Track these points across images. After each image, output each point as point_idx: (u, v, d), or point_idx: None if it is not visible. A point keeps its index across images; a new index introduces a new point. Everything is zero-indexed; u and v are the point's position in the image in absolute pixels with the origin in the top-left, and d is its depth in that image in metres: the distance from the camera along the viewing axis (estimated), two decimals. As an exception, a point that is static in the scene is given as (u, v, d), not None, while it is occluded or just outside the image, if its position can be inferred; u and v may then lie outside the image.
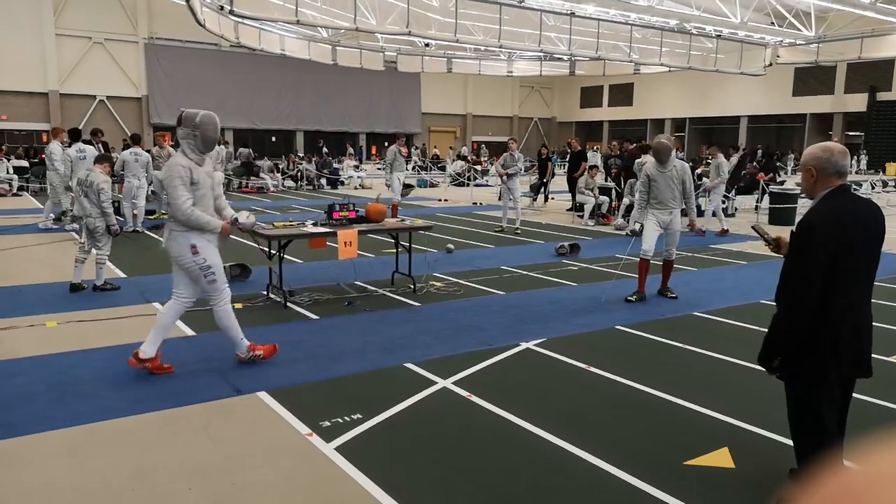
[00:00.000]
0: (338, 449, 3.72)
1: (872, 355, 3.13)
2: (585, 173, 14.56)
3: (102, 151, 10.67)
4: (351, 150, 32.52)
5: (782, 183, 17.36)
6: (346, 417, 4.14)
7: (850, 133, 36.46)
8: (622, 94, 45.37)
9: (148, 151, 12.85)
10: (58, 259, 9.26)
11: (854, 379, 3.16)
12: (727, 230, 12.80)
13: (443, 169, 29.66)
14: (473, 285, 8.00)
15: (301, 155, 27.13)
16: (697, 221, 13.26)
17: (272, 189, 21.45)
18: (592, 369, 5.12)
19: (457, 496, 3.28)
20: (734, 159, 16.59)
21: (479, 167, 27.04)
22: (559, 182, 19.79)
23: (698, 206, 14.07)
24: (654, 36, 22.71)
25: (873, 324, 3.13)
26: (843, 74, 34.43)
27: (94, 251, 7.40)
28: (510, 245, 11.22)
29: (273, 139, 38.20)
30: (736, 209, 15.91)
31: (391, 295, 7.47)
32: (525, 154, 18.72)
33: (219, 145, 13.56)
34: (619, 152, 15.65)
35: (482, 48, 26.27)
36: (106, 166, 7.52)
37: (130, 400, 4.39)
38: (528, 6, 19.28)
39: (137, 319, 6.33)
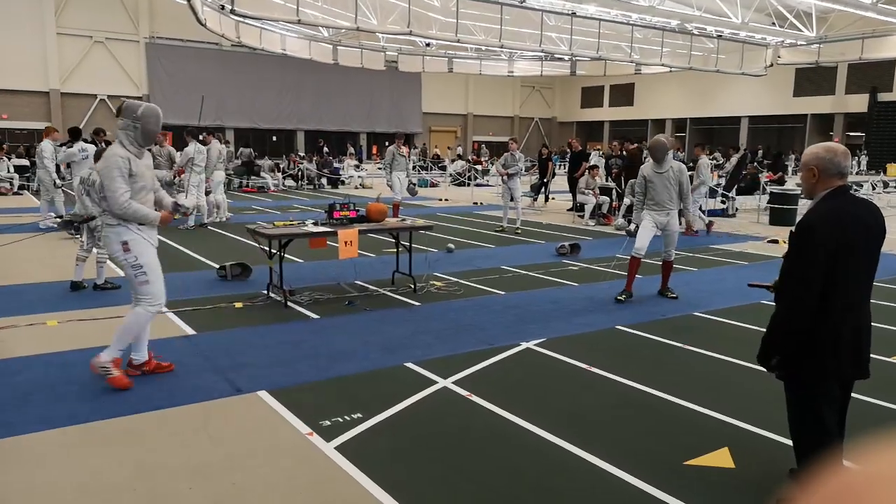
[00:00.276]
0: (338, 448, 3.72)
1: (873, 356, 3.13)
2: (586, 173, 14.57)
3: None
4: (351, 149, 32.53)
5: (783, 183, 17.36)
6: (346, 417, 4.14)
7: (851, 133, 36.44)
8: (623, 94, 45.36)
9: (149, 150, 12.83)
10: (58, 258, 9.26)
11: (853, 379, 3.16)
12: (711, 223, 12.96)
13: (443, 169, 29.66)
14: (474, 285, 8.00)
15: (302, 154, 27.13)
16: (696, 223, 13.40)
17: (273, 188, 21.46)
18: (593, 369, 5.12)
19: (457, 496, 3.28)
20: (734, 159, 16.59)
21: (479, 167, 27.05)
22: (560, 182, 19.80)
23: (699, 207, 14.13)
24: (655, 36, 22.72)
25: (874, 324, 3.13)
26: (844, 75, 34.43)
27: (94, 250, 7.41)
28: (511, 245, 11.22)
29: (274, 139, 38.22)
30: (737, 209, 15.92)
31: (392, 294, 7.47)
32: (526, 154, 18.69)
33: (220, 144, 13.59)
34: (619, 152, 15.65)
35: (483, 48, 26.28)
36: None
37: (131, 399, 4.39)
38: (529, 6, 19.28)
39: (138, 318, 6.33)
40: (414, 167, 27.45)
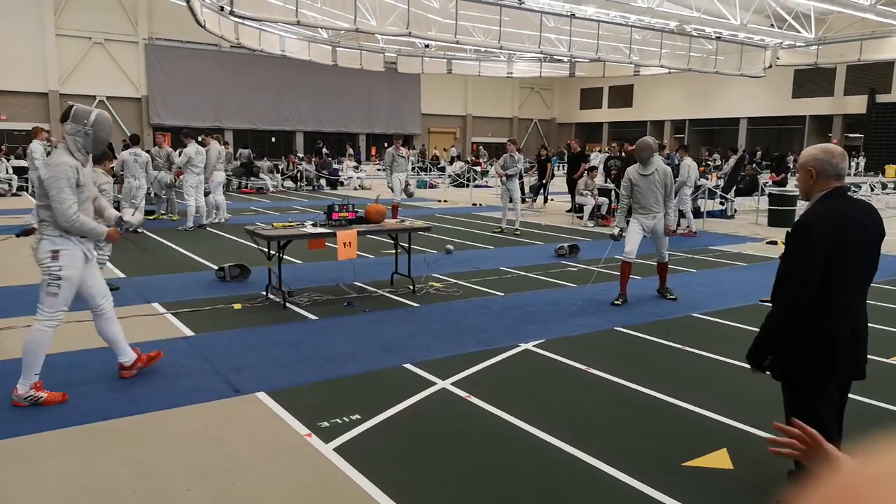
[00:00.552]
0: (337, 449, 3.72)
1: (871, 357, 3.13)
2: (585, 174, 14.58)
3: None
4: (350, 150, 32.53)
5: (787, 184, 17.36)
6: (345, 418, 4.14)
7: (850, 135, 36.49)
8: (622, 95, 45.40)
9: (147, 152, 12.84)
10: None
11: (851, 381, 3.17)
12: (691, 230, 12.78)
13: (442, 170, 29.67)
14: (473, 286, 8.00)
15: (301, 156, 27.13)
16: (694, 224, 13.40)
17: (272, 189, 21.45)
18: (592, 370, 5.13)
19: (456, 497, 3.29)
20: (732, 161, 16.61)
21: (478, 168, 27.05)
22: (559, 183, 19.81)
23: (697, 209, 14.14)
24: (654, 37, 22.74)
25: (872, 326, 3.14)
26: (843, 76, 34.47)
27: (94, 252, 7.40)
28: (509, 246, 11.23)
29: (273, 140, 38.21)
30: (735, 210, 15.93)
31: (390, 296, 7.48)
32: (524, 155, 18.71)
33: (219, 145, 13.59)
34: (618, 154, 15.66)
35: (482, 49, 26.29)
36: (106, 164, 7.52)
37: (130, 400, 4.39)
38: (527, 7, 19.30)
39: (137, 319, 6.33)
40: (413, 168, 27.49)
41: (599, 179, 15.54)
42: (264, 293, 7.29)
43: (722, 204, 15.94)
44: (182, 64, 34.55)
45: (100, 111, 4.45)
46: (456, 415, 4.27)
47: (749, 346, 3.16)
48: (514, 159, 12.39)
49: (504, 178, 12.32)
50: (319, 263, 9.09)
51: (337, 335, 5.95)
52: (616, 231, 7.54)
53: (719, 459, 3.70)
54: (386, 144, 41.17)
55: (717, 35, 23.15)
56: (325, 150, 28.02)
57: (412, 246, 7.98)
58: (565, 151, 24.16)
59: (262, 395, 4.50)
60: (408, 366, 5.15)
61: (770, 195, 14.96)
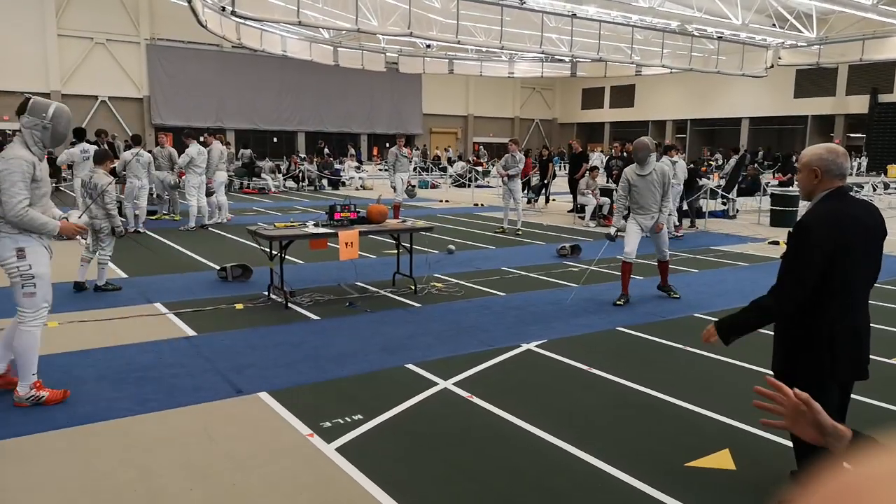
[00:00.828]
0: (339, 450, 3.72)
1: (873, 357, 3.13)
2: (586, 174, 14.57)
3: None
4: (352, 150, 32.53)
5: (793, 184, 17.34)
6: (346, 418, 4.14)
7: (852, 135, 36.44)
8: (623, 95, 45.37)
9: (149, 152, 12.86)
10: (58, 258, 9.26)
11: (852, 381, 3.16)
12: (680, 236, 12.47)
13: (444, 170, 29.68)
14: (474, 286, 8.00)
15: (302, 156, 27.15)
16: (697, 225, 13.40)
17: (273, 190, 21.47)
18: (593, 370, 5.13)
19: (458, 497, 3.29)
20: (732, 161, 16.60)
21: (479, 168, 27.06)
22: (560, 183, 19.80)
23: (699, 208, 14.13)
24: (656, 37, 22.72)
25: (874, 326, 3.13)
26: (845, 76, 34.42)
27: (98, 252, 7.42)
28: (511, 246, 11.23)
29: (275, 140, 38.24)
30: (737, 211, 15.91)
31: (392, 296, 7.48)
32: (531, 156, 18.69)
33: (221, 146, 13.60)
34: (620, 154, 15.65)
35: (483, 49, 26.29)
36: (107, 164, 7.53)
37: (131, 400, 4.40)
38: (529, 7, 19.29)
39: (139, 320, 6.34)
40: (414, 168, 27.48)
41: (601, 179, 15.54)
42: (266, 293, 7.29)
43: (724, 204, 15.92)
44: (184, 64, 34.59)
45: (59, 104, 4.30)
46: (458, 415, 4.27)
47: (727, 317, 3.14)
48: (516, 159, 12.38)
49: (506, 179, 12.32)
50: (321, 263, 9.09)
51: (339, 335, 5.95)
52: (612, 231, 7.54)
53: (721, 460, 3.69)
54: (388, 144, 41.22)
55: (719, 35, 23.12)
56: (326, 150, 28.02)
57: (414, 246, 7.98)
58: (565, 151, 24.17)
59: (263, 395, 4.50)
60: (409, 366, 5.15)
61: (772, 195, 14.94)
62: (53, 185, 18.72)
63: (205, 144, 13.03)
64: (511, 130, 46.65)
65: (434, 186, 24.32)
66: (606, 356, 5.49)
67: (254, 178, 21.51)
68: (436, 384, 4.77)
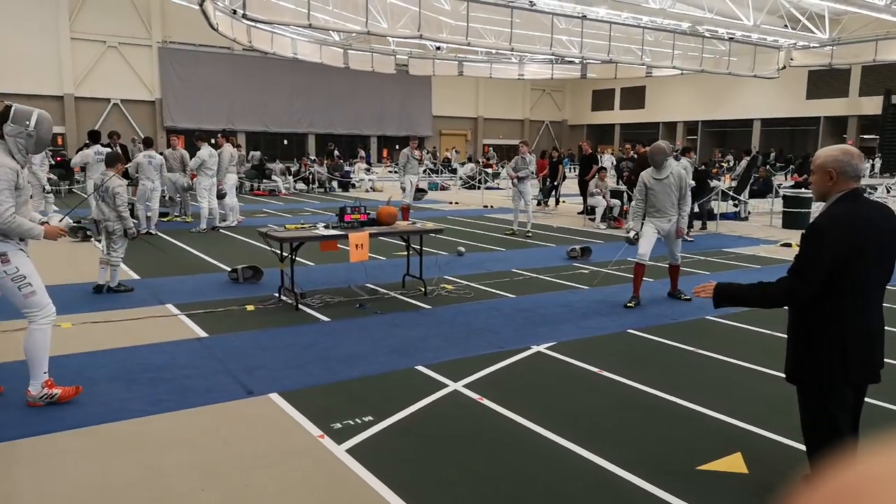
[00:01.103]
0: (349, 451, 3.73)
1: (886, 360, 3.10)
2: (596, 176, 14.55)
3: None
4: (362, 152, 32.60)
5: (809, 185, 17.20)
6: (357, 420, 4.15)
7: (865, 136, 36.12)
8: (634, 96, 45.21)
9: (161, 154, 12.95)
10: (72, 262, 9.35)
11: (865, 383, 3.14)
12: (691, 239, 12.27)
13: (454, 172, 29.69)
14: (484, 288, 8.00)
15: (313, 158, 27.25)
16: (709, 226, 13.32)
17: (283, 192, 21.56)
18: (604, 373, 5.11)
19: (468, 499, 3.28)
20: (744, 162, 16.50)
21: (489, 170, 27.05)
22: (570, 185, 19.76)
23: (710, 210, 14.06)
24: (667, 39, 22.63)
25: (889, 329, 3.11)
26: (858, 77, 34.15)
27: (110, 253, 7.48)
28: (521, 248, 11.21)
29: (285, 142, 38.39)
30: (749, 212, 15.82)
31: (402, 297, 7.49)
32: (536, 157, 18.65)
33: (232, 148, 13.67)
34: (630, 155, 15.60)
35: (493, 51, 26.28)
36: (119, 166, 7.60)
37: (144, 401, 4.43)
38: (539, 9, 19.28)
39: (151, 321, 6.38)
40: (424, 170, 27.53)
41: (611, 181, 15.49)
42: (277, 295, 7.32)
43: (735, 206, 15.84)
44: (195, 67, 34.81)
45: (40, 111, 4.33)
46: (468, 417, 4.27)
47: (730, 284, 3.23)
48: (526, 161, 12.37)
49: (516, 180, 12.31)
50: (331, 265, 9.12)
51: (349, 337, 5.97)
52: (631, 234, 7.53)
53: (734, 463, 3.67)
54: (398, 146, 41.30)
55: (730, 36, 23.00)
56: (336, 152, 28.10)
57: (424, 248, 7.99)
58: (575, 153, 24.12)
59: (274, 397, 4.52)
60: (420, 368, 5.16)
61: (784, 197, 14.84)
62: (66, 186, 18.90)
63: (216, 147, 13.11)
64: (521, 132, 46.60)
65: (444, 188, 24.33)
66: (617, 358, 5.47)
67: (264, 180, 21.61)
68: (446, 386, 4.77)
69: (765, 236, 12.94)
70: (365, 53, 27.52)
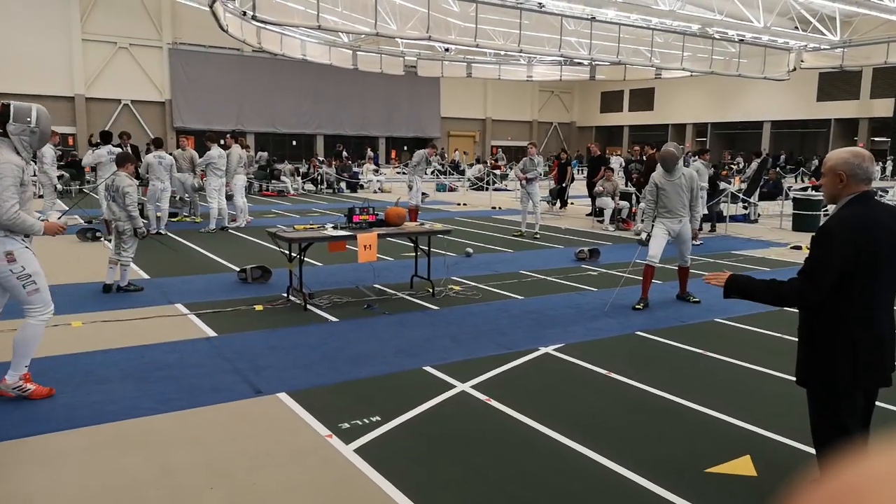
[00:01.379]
0: (357, 451, 3.74)
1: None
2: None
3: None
4: (371, 153, 32.65)
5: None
6: (365, 420, 4.16)
7: (876, 139, 35.88)
8: (643, 98, 45.11)
9: (170, 154, 13.02)
10: (82, 261, 9.41)
11: (876, 387, 3.12)
12: (700, 242, 12.17)
13: (462, 173, 29.70)
14: (492, 289, 8.00)
15: (321, 159, 27.34)
16: (718, 229, 13.27)
17: (292, 192, 21.63)
18: (612, 375, 5.10)
19: (475, 499, 3.28)
20: (754, 165, 16.42)
21: (497, 171, 27.03)
22: (579, 187, 19.71)
23: (719, 213, 14.00)
24: (676, 40, 22.54)
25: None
26: (869, 79, 33.93)
27: (121, 253, 7.53)
28: (529, 249, 11.20)
29: (294, 143, 38.53)
30: (759, 215, 15.74)
31: (410, 298, 7.49)
32: (544, 159, 18.64)
33: (241, 149, 13.73)
34: (639, 157, 15.55)
35: (502, 53, 26.28)
36: (129, 166, 7.64)
37: (153, 399, 4.45)
38: (548, 11, 19.26)
39: (161, 320, 6.42)
40: (432, 171, 27.53)
41: (619, 181, 15.44)
42: (285, 295, 7.35)
43: (745, 208, 15.76)
44: (205, 68, 35.01)
45: (38, 106, 4.41)
46: (475, 418, 4.27)
47: (742, 276, 3.27)
48: (535, 162, 12.36)
49: (524, 182, 12.30)
50: (339, 266, 9.14)
51: (357, 337, 5.98)
52: (643, 236, 7.51)
53: (742, 466, 3.65)
54: (406, 147, 41.32)
55: (740, 38, 22.90)
56: (345, 153, 28.16)
57: (432, 249, 8.00)
58: (584, 155, 24.06)
59: (283, 396, 4.54)
60: (427, 368, 5.16)
61: (794, 199, 14.75)
62: (77, 186, 19.02)
63: (225, 147, 13.17)
64: (529, 134, 46.56)
65: (452, 189, 24.34)
66: (625, 360, 5.46)
67: (273, 181, 21.69)
68: (453, 387, 4.77)
69: (774, 239, 12.87)
70: (374, 55, 27.58)
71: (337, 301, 7.25)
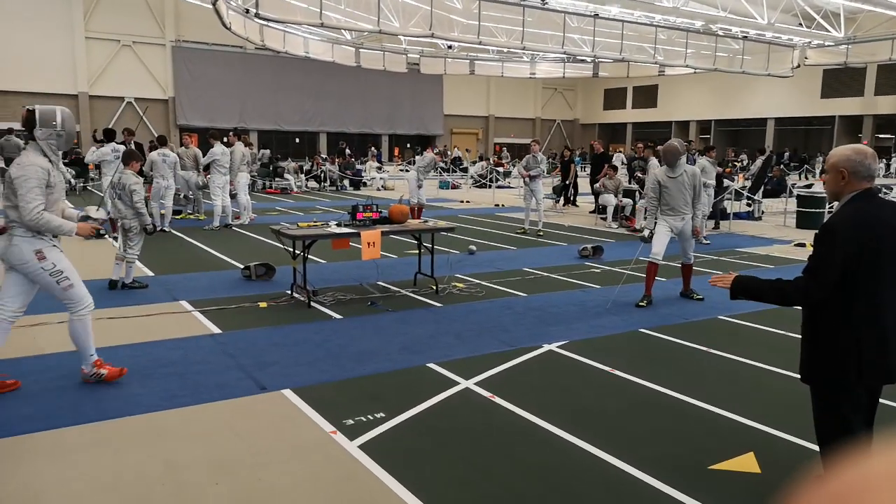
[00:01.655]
0: (361, 447, 3.75)
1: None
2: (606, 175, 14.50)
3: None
4: (374, 151, 32.64)
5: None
6: (369, 416, 4.17)
7: (881, 136, 35.76)
8: (646, 95, 44.99)
9: (175, 152, 13.03)
10: (88, 258, 9.44)
11: (880, 385, 3.12)
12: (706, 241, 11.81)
13: (465, 171, 29.69)
14: (495, 286, 8.00)
15: (324, 156, 27.36)
16: (721, 226, 13.24)
17: (295, 190, 21.65)
18: (616, 372, 5.10)
19: (478, 495, 3.30)
20: (759, 162, 16.38)
21: (500, 169, 27.01)
22: (582, 184, 19.66)
23: (723, 210, 13.97)
24: (679, 37, 22.49)
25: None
26: (874, 76, 33.79)
27: (126, 250, 7.55)
28: (532, 247, 11.20)
29: (297, 140, 38.53)
30: (763, 212, 15.71)
31: (413, 295, 7.51)
32: (550, 156, 18.62)
33: (244, 146, 13.75)
34: (642, 155, 15.53)
35: (505, 50, 26.23)
36: (135, 164, 7.66)
37: (158, 396, 4.48)
38: (551, 8, 19.22)
39: (165, 317, 6.44)
40: (435, 167, 27.49)
41: (623, 178, 15.42)
42: (289, 292, 7.36)
43: (748, 205, 15.74)
44: (208, 66, 35.03)
45: (61, 108, 4.48)
46: (479, 414, 4.28)
47: (748, 277, 3.28)
48: (538, 160, 12.35)
49: (527, 179, 12.29)
50: (343, 263, 9.15)
51: (361, 334, 5.99)
52: (646, 233, 7.51)
53: (746, 463, 3.66)
54: (409, 145, 41.27)
55: (744, 34, 22.83)
56: (348, 150, 28.17)
57: (435, 246, 8.00)
58: (588, 152, 24.03)
59: (287, 392, 4.55)
60: (431, 365, 5.17)
61: (798, 196, 14.72)
62: (81, 184, 19.07)
63: (228, 145, 13.18)
64: (532, 131, 46.50)
65: (455, 187, 24.33)
66: (628, 358, 5.46)
67: (276, 179, 21.71)
68: (457, 384, 4.78)
69: (778, 236, 12.85)
70: (376, 52, 27.56)
71: (341, 298, 7.26)
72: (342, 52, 26.68)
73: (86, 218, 4.86)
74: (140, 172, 8.10)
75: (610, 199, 14.26)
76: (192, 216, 14.06)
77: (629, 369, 5.13)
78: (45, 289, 4.47)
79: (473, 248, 10.49)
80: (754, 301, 3.20)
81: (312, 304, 6.95)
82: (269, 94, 36.58)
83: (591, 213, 15.84)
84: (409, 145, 41.76)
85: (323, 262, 9.34)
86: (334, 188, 23.03)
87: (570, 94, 49.44)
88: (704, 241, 11.64)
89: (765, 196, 15.88)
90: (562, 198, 18.00)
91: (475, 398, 4.54)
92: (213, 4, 18.91)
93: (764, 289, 3.16)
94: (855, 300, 2.89)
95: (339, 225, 7.40)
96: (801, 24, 21.99)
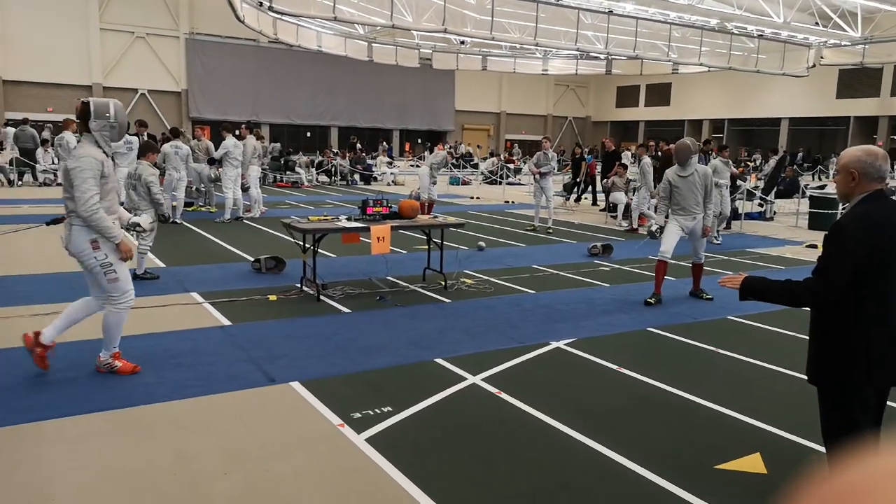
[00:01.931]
0: (368, 440, 3.78)
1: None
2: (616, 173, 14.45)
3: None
4: (385, 146, 32.66)
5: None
6: (376, 410, 4.20)
7: (896, 137, 35.39)
8: (659, 93, 44.72)
9: (188, 145, 13.10)
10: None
11: (889, 386, 3.11)
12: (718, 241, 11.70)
13: (475, 167, 29.66)
14: (504, 283, 8.01)
15: (335, 150, 27.42)
16: (732, 226, 13.16)
17: (306, 184, 21.71)
18: (623, 370, 5.10)
19: (484, 489, 3.32)
20: (772, 162, 16.27)
21: (511, 165, 26.96)
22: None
23: (734, 210, 13.89)
24: (694, 35, 22.31)
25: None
26: (890, 76, 33.42)
27: (138, 241, 7.61)
28: (542, 244, 11.19)
29: (308, 134, 38.61)
30: (775, 213, 15.61)
31: (422, 291, 7.53)
32: (559, 153, 18.58)
33: (255, 140, 13.81)
34: (655, 153, 15.46)
35: (518, 46, 26.17)
36: (151, 156, 7.72)
37: (169, 386, 4.52)
38: (565, 4, 19.13)
39: (176, 308, 6.50)
40: (445, 164, 27.48)
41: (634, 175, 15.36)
42: (299, 285, 7.40)
43: (761, 206, 15.64)
44: (221, 59, 35.14)
45: (114, 101, 4.61)
46: (486, 410, 4.30)
47: (758, 278, 3.25)
48: (548, 157, 12.33)
49: (538, 176, 12.27)
50: (353, 257, 9.18)
51: (369, 328, 6.02)
52: (654, 228, 7.50)
53: (752, 463, 3.66)
54: (420, 140, 41.23)
55: (760, 33, 22.63)
56: (359, 145, 28.20)
57: (444, 242, 8.02)
58: (598, 150, 23.93)
59: (296, 385, 4.59)
60: (439, 360, 5.19)
61: (811, 197, 14.62)
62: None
63: (240, 138, 13.24)
64: (544, 128, 46.34)
65: (465, 183, 24.32)
66: (636, 356, 5.46)
67: (287, 172, 21.78)
68: (465, 379, 4.80)
69: (790, 237, 12.77)
70: (389, 47, 27.54)
71: (350, 292, 7.30)
72: (355, 47, 26.68)
73: (135, 224, 5.05)
74: (154, 164, 8.17)
75: (620, 198, 14.21)
76: (203, 208, 14.14)
77: (637, 368, 5.13)
78: (90, 277, 4.58)
79: (482, 244, 10.50)
80: (763, 302, 3.19)
81: (322, 297, 6.98)
82: (282, 88, 36.66)
83: (601, 211, 15.80)
84: (419, 140, 41.73)
85: (333, 256, 9.38)
86: (345, 182, 23.08)
87: (583, 91, 49.23)
88: (716, 241, 11.58)
89: (777, 196, 15.77)
90: (572, 195, 17.96)
91: (482, 394, 4.56)
92: (227, -3, 18.96)
93: (773, 290, 3.15)
94: (865, 299, 2.88)
95: (349, 219, 7.43)
96: (817, 24, 21.77)
